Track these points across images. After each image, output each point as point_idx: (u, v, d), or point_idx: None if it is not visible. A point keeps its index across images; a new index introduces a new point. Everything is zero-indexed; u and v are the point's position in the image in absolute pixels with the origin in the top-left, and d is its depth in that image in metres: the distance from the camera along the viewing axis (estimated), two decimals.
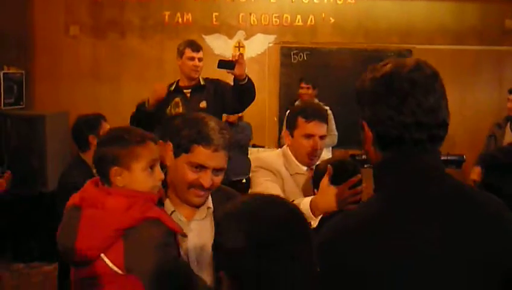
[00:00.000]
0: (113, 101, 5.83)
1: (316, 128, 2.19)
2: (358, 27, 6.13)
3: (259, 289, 0.98)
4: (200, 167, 1.54)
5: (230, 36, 6.05)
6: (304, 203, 1.83)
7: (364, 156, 5.09)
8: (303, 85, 5.25)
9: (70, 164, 3.03)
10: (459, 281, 1.04)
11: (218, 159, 1.54)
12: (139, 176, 1.49)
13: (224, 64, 3.21)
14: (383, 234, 1.04)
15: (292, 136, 2.25)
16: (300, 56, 6.07)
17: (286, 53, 6.08)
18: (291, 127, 2.25)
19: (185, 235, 1.57)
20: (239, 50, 6.02)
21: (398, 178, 1.10)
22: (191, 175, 1.54)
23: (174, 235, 1.50)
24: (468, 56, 6.25)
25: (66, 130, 5.31)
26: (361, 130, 1.17)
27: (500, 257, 1.08)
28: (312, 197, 1.86)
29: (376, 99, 1.11)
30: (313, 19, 6.03)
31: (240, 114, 5.21)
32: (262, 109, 5.90)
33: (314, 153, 2.20)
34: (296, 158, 2.25)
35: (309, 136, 2.19)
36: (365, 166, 5.04)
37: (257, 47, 6.06)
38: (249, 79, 3.27)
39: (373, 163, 1.16)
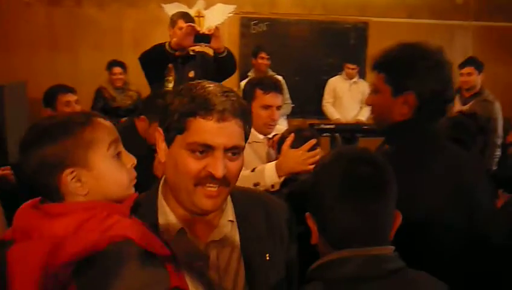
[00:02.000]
0: (71, 71, 5.74)
1: (273, 99, 2.32)
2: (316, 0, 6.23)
3: None
4: (205, 149, 1.09)
5: (190, 5, 6.00)
6: (269, 166, 1.97)
7: (322, 125, 5.27)
8: (263, 55, 5.32)
9: None
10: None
11: (229, 132, 1.10)
12: (105, 169, 1.03)
13: (201, 38, 3.21)
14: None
15: (250, 107, 2.34)
16: (260, 27, 6.14)
17: (246, 23, 6.13)
18: (249, 98, 2.34)
19: (197, 261, 1.14)
20: (199, 19, 6.01)
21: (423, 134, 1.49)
22: (194, 164, 1.09)
23: (163, 261, 0.97)
24: (421, 29, 6.46)
25: (25, 101, 5.24)
26: (396, 96, 1.46)
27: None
28: (276, 161, 2.01)
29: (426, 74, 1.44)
30: None
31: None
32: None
33: (271, 122, 2.35)
34: (254, 127, 2.32)
35: (267, 107, 2.32)
36: (323, 135, 5.22)
37: (217, 17, 6.04)
38: (229, 51, 3.34)
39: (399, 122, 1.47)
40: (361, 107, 5.84)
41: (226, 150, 1.10)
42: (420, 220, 1.32)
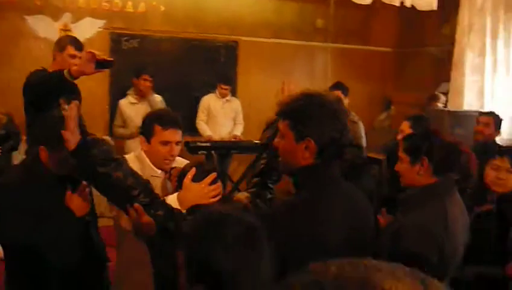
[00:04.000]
0: None
1: (172, 135, 2.30)
2: (188, 17, 6.30)
3: None
4: None
5: (55, 18, 5.73)
6: (171, 200, 1.98)
7: (198, 143, 5.34)
8: (147, 77, 5.22)
9: None
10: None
11: None
12: None
13: (102, 64, 2.91)
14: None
15: (149, 143, 2.32)
16: (131, 43, 6.05)
17: (116, 39, 5.99)
18: (148, 134, 2.31)
19: None
20: (65, 33, 5.77)
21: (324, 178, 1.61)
22: None
23: None
24: (286, 49, 6.89)
25: None
26: (298, 142, 1.57)
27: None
28: (177, 193, 2.02)
29: (324, 122, 1.57)
30: (143, 6, 6.03)
31: None
32: (92, 97, 5.72)
33: (170, 158, 2.32)
34: (153, 163, 2.33)
35: (166, 142, 2.29)
36: (199, 152, 5.32)
37: (85, 31, 5.84)
38: None
39: (299, 168, 1.60)
40: (235, 124, 6.05)
41: None
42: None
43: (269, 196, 2.10)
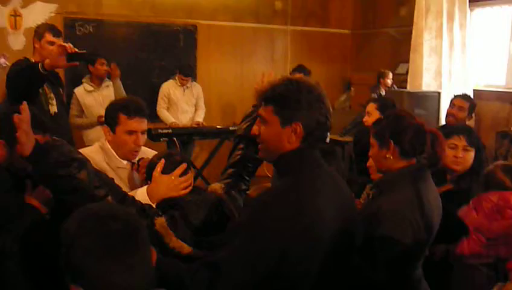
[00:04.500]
0: None
1: (138, 124, 2.22)
2: (145, 1, 6.12)
3: None
4: None
5: (4, 3, 5.46)
6: (141, 193, 1.90)
7: (160, 130, 5.24)
8: (103, 61, 5.01)
9: None
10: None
11: None
12: None
13: (75, 57, 2.89)
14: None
15: (114, 132, 2.23)
16: (86, 28, 5.83)
17: (70, 24, 5.75)
18: (113, 123, 2.23)
19: None
20: (15, 18, 5.50)
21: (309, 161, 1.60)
22: None
23: None
24: (246, 32, 6.82)
25: None
26: (285, 126, 1.56)
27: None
28: (146, 186, 1.94)
29: (312, 108, 1.57)
30: None
31: None
32: None
33: (136, 148, 2.24)
34: (118, 153, 2.25)
35: (131, 132, 2.21)
36: (161, 139, 5.21)
37: (36, 16, 5.57)
38: None
39: (287, 151, 1.58)
40: (196, 109, 5.95)
41: None
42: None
43: (244, 187, 2.04)
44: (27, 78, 2.94)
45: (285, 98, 1.55)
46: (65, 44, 2.91)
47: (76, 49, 2.90)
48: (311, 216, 1.47)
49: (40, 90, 3.26)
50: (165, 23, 6.26)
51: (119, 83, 5.23)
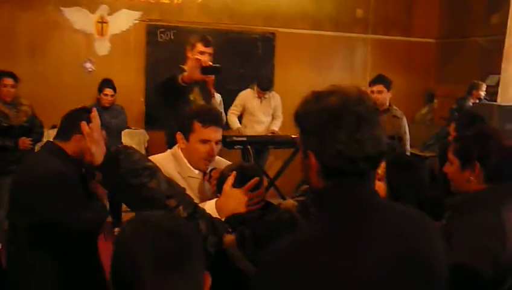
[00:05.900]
0: None
1: (213, 133, 2.16)
2: (224, 8, 6.19)
3: None
4: None
5: (92, 10, 5.71)
6: (209, 206, 1.80)
7: (234, 138, 5.23)
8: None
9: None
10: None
11: None
12: None
13: (210, 70, 3.14)
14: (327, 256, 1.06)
15: (187, 140, 2.19)
16: (167, 35, 5.97)
17: (152, 31, 5.93)
18: (187, 131, 2.18)
19: None
20: (101, 25, 5.74)
21: (344, 205, 1.12)
22: None
23: None
24: (324, 40, 6.70)
25: None
26: (305, 158, 1.17)
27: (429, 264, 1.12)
28: (216, 200, 1.85)
29: (324, 133, 1.12)
30: None
31: (113, 97, 5.01)
32: (128, 89, 5.70)
33: (209, 158, 2.18)
34: (190, 162, 2.20)
35: (205, 141, 2.16)
36: (235, 147, 5.19)
37: (121, 23, 5.80)
38: None
39: (314, 189, 1.19)
40: (273, 118, 5.86)
41: None
42: None
43: None
44: (168, 88, 3.19)
45: (297, 118, 1.21)
46: (199, 57, 3.10)
47: (211, 63, 3.07)
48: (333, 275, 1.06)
49: (191, 97, 3.36)
50: (243, 31, 6.28)
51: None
